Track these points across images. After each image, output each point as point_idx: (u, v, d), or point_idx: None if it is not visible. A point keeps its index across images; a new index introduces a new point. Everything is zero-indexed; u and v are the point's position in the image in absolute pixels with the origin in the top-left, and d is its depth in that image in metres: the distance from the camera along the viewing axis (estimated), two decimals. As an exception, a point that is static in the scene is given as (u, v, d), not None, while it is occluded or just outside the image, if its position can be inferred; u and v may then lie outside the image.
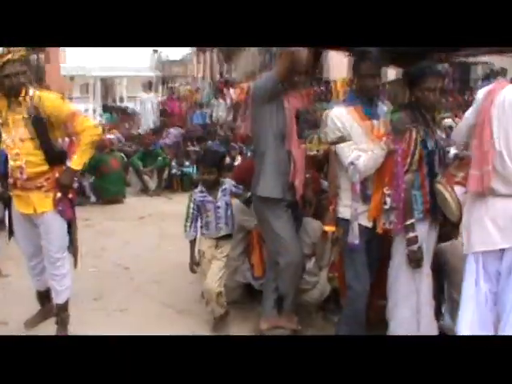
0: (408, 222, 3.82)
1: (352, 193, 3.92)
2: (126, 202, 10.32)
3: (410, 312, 3.92)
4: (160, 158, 11.27)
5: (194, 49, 24.57)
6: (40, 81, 14.55)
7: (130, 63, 41.80)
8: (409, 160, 3.81)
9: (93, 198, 10.04)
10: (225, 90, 14.76)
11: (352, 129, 3.89)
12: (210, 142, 12.06)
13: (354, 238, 3.93)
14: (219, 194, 4.82)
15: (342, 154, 3.91)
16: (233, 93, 13.64)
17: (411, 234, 3.82)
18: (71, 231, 4.54)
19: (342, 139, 3.89)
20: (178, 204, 9.07)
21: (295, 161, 4.34)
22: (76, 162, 4.36)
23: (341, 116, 3.92)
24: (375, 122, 3.96)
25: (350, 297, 4.13)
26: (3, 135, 4.31)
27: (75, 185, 9.45)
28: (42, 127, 4.26)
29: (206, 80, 24.83)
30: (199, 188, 4.93)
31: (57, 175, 4.34)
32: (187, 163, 11.46)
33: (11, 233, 4.70)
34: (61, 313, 4.60)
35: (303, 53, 4.22)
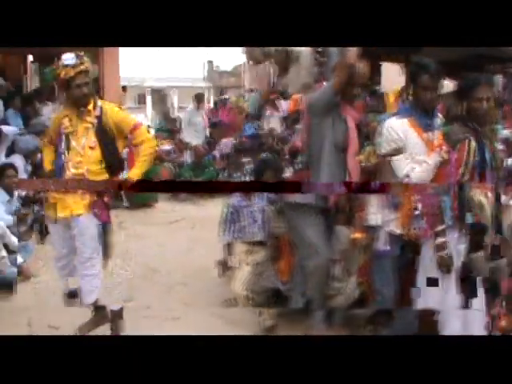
0: (438, 228, 3.78)
1: (389, 201, 3.91)
2: (157, 206, 10.37)
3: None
4: (207, 170, 11.32)
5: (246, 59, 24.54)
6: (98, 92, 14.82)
7: (183, 74, 42.26)
8: (461, 170, 3.78)
9: (125, 202, 10.12)
10: (277, 102, 14.76)
11: (409, 140, 3.89)
12: (264, 154, 12.02)
13: (384, 244, 3.93)
14: (256, 199, 4.82)
15: (397, 165, 3.91)
16: (285, 105, 13.62)
17: (441, 240, 3.78)
18: (106, 233, 4.60)
19: (397, 151, 3.87)
20: (211, 210, 9.08)
21: (351, 173, 4.31)
22: (134, 172, 4.43)
23: (398, 127, 3.93)
24: (430, 134, 3.91)
25: (378, 302, 4.12)
26: (72, 143, 4.41)
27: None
28: (108, 137, 4.41)
29: (258, 91, 24.95)
30: (238, 194, 4.93)
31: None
32: (236, 174, 11.45)
33: (44, 234, 4.75)
34: (116, 320, 4.65)
35: (361, 65, 4.21)
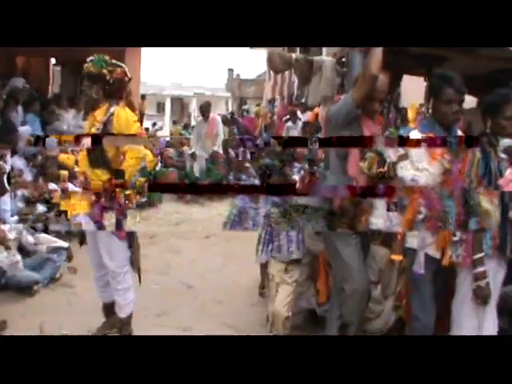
0: (476, 257, 3.66)
1: (426, 223, 3.79)
2: (192, 220, 10.29)
3: None
4: (251, 180, 11.41)
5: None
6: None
7: (203, 83, 42.51)
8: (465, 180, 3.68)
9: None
10: (298, 113, 14.76)
11: (448, 157, 3.74)
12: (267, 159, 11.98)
13: (420, 267, 3.80)
14: (294, 217, 4.78)
15: (401, 173, 3.82)
16: (302, 116, 13.64)
17: (480, 269, 3.65)
18: (133, 249, 4.59)
19: (403, 157, 3.78)
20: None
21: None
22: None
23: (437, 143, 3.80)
24: (471, 152, 3.79)
25: (415, 328, 4.00)
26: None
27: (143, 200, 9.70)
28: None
29: (276, 101, 25.00)
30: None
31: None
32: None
33: (83, 240, 4.77)
34: (124, 327, 4.64)
35: (382, 78, 4.15)
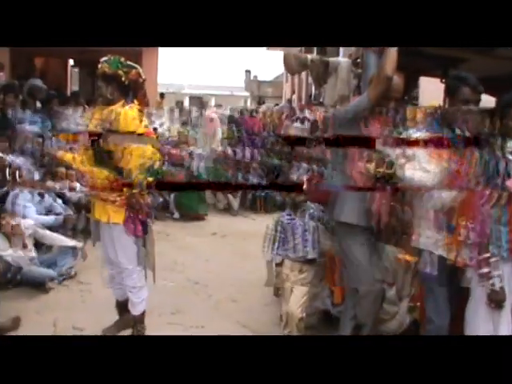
0: (481, 257, 3.61)
1: (435, 223, 3.78)
2: (208, 220, 10.35)
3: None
4: (256, 180, 11.31)
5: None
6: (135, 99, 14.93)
7: (222, 82, 42.62)
8: (498, 193, 3.60)
9: (176, 215, 10.14)
10: (306, 113, 14.75)
11: (449, 157, 3.72)
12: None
13: (432, 268, 3.78)
14: (307, 217, 4.78)
15: (407, 173, 3.80)
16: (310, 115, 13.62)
17: (484, 270, 3.60)
18: (147, 247, 4.61)
19: (436, 167, 3.74)
20: (260, 224, 9.13)
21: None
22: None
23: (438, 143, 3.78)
24: (473, 152, 3.75)
25: (429, 331, 3.98)
26: (107, 144, 4.42)
27: (159, 200, 9.77)
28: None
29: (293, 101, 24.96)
30: (287, 211, 4.91)
31: (128, 194, 4.41)
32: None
33: (96, 238, 4.79)
34: (137, 324, 4.67)
35: (397, 78, 4.14)
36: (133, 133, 4.34)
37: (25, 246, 5.94)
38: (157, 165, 4.41)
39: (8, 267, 5.13)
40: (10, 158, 7.39)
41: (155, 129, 14.87)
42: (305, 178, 5.79)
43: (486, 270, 3.60)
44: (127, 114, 4.36)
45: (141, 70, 4.52)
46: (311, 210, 4.83)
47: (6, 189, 6.77)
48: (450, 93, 3.92)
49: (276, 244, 4.87)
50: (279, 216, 4.99)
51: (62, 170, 7.11)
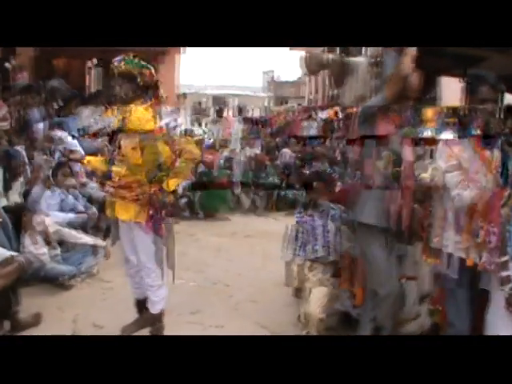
0: (501, 260, 3.58)
1: (454, 225, 3.75)
2: (232, 220, 10.36)
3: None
4: (271, 179, 11.29)
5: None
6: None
7: (243, 83, 42.66)
8: (508, 192, 3.60)
9: (201, 214, 10.17)
10: (313, 114, 14.78)
11: (467, 157, 3.71)
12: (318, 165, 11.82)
13: (454, 272, 3.75)
14: (325, 217, 4.77)
15: (450, 182, 3.75)
16: (322, 113, 13.65)
17: (504, 274, 3.57)
18: (168, 246, 4.63)
19: (454, 167, 3.72)
20: (283, 225, 9.12)
21: (401, 188, 4.20)
22: (168, 183, 4.47)
23: (456, 143, 3.76)
24: (489, 152, 3.76)
25: (450, 334, 3.96)
26: (121, 142, 4.47)
27: (184, 200, 9.82)
28: (151, 139, 4.40)
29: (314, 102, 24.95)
30: (308, 212, 4.90)
31: (152, 191, 4.44)
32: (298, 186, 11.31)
33: (116, 237, 4.83)
34: (156, 323, 4.69)
35: (414, 77, 4.13)
36: (151, 131, 4.39)
37: (48, 243, 6.00)
38: (167, 162, 4.48)
39: (30, 264, 5.18)
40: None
41: (174, 127, 14.66)
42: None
43: (505, 273, 3.57)
44: (137, 112, 4.41)
45: (153, 70, 4.54)
46: (332, 211, 4.82)
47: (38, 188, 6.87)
48: (469, 92, 3.89)
49: (294, 244, 4.87)
50: (299, 217, 4.98)
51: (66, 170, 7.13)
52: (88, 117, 10.34)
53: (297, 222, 4.83)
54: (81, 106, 11.46)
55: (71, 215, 6.95)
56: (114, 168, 4.46)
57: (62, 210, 6.93)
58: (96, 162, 4.81)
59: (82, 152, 7.25)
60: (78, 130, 9.64)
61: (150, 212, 4.44)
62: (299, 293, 4.98)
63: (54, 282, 6.05)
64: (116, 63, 4.41)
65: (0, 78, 9.45)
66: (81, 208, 7.27)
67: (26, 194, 6.94)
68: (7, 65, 12.03)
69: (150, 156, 4.39)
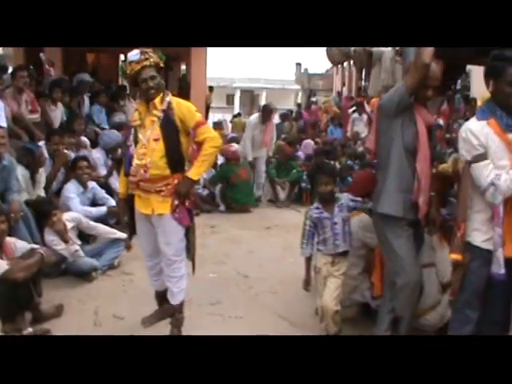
0: None
1: (494, 216, 3.61)
2: (254, 212, 10.31)
3: None
4: (294, 171, 11.21)
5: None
6: (184, 90, 15.07)
7: (272, 75, 42.58)
8: None
9: (222, 207, 10.15)
10: (365, 105, 14.58)
11: (491, 144, 3.56)
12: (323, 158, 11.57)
13: (499, 267, 3.59)
14: (336, 209, 4.72)
15: (479, 173, 3.59)
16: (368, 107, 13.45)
17: None
18: (189, 237, 4.64)
19: (481, 157, 3.58)
20: (302, 216, 9.04)
21: (420, 178, 4.14)
22: (194, 172, 4.46)
23: (480, 130, 3.60)
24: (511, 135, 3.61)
25: (456, 320, 3.93)
26: (139, 136, 4.47)
27: (205, 192, 9.81)
28: (172, 131, 4.42)
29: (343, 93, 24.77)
30: (315, 204, 4.86)
31: (176, 182, 4.45)
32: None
33: (132, 231, 4.85)
34: (176, 314, 4.70)
35: (435, 66, 4.06)
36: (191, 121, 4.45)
37: (66, 242, 6.03)
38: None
39: (50, 257, 5.23)
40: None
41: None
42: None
43: None
44: (180, 102, 4.51)
45: (148, 62, 4.46)
46: (340, 202, 4.77)
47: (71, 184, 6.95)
48: (494, 75, 3.67)
49: (306, 238, 4.83)
50: (308, 210, 4.94)
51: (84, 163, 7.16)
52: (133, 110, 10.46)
53: (314, 217, 4.77)
54: (126, 101, 11.66)
55: (92, 208, 6.98)
56: (137, 162, 4.45)
57: (82, 202, 6.97)
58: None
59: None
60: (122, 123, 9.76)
61: (175, 203, 4.46)
62: (307, 286, 4.94)
63: (76, 275, 6.12)
64: (135, 57, 4.39)
65: (33, 70, 9.48)
66: (106, 201, 7.30)
67: (55, 190, 7.06)
68: (42, 55, 12.18)
69: (173, 149, 4.41)
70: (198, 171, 4.48)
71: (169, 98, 4.49)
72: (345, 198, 4.83)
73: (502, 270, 3.56)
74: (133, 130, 4.54)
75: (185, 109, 4.48)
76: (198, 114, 4.54)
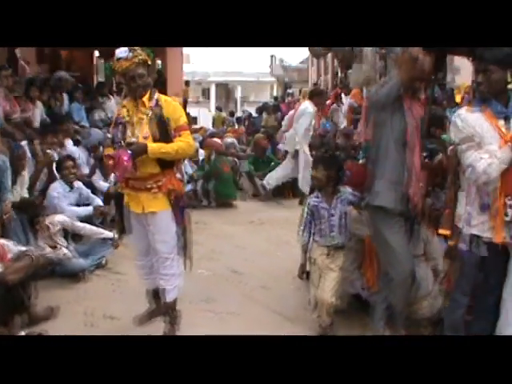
0: None
1: (467, 196, 3.72)
2: (238, 206, 10.31)
3: None
4: (273, 163, 11.22)
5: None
6: (160, 85, 15.00)
7: (247, 69, 42.43)
8: None
9: (204, 202, 10.14)
10: (342, 96, 14.59)
11: (479, 129, 3.62)
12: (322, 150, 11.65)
13: (464, 245, 3.73)
14: (335, 201, 4.74)
15: (463, 154, 3.68)
16: (346, 98, 13.46)
17: None
18: (184, 234, 4.62)
19: (467, 140, 3.65)
20: (289, 210, 9.04)
21: (411, 170, 4.18)
22: (154, 147, 4.34)
23: (469, 115, 3.67)
24: (503, 122, 3.65)
25: (449, 305, 4.04)
26: (128, 133, 4.44)
27: (188, 188, 9.80)
28: (161, 128, 4.39)
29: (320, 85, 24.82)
30: (315, 193, 4.88)
31: (166, 179, 4.44)
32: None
33: (122, 230, 4.82)
34: (169, 312, 4.68)
35: (426, 58, 4.08)
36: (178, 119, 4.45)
37: (53, 247, 5.98)
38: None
39: (38, 259, 5.19)
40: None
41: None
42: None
43: None
44: (167, 100, 4.50)
45: (137, 59, 4.43)
46: (341, 195, 4.79)
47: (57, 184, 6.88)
48: (483, 66, 3.71)
49: (303, 226, 4.85)
50: (308, 198, 4.95)
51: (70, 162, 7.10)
52: (113, 107, 10.43)
53: (312, 206, 4.79)
54: (105, 98, 11.57)
55: (80, 209, 6.92)
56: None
57: (70, 202, 6.89)
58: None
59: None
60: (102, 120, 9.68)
61: (167, 200, 4.46)
62: (302, 273, 4.95)
63: (64, 276, 6.06)
64: (123, 54, 4.35)
65: (11, 71, 9.35)
66: (94, 201, 7.24)
67: (39, 190, 6.97)
68: (17, 51, 11.98)
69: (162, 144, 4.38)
70: (157, 151, 4.35)
71: (156, 95, 4.47)
72: (346, 191, 4.84)
73: (465, 247, 3.72)
74: (120, 127, 4.51)
75: (172, 108, 4.47)
76: (183, 117, 4.53)
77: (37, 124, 8.87)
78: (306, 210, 4.84)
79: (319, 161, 4.90)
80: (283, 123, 11.25)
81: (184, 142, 4.43)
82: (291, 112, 10.52)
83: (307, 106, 9.61)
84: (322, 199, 4.78)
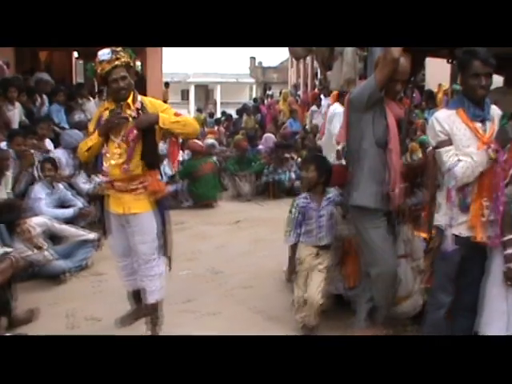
0: (506, 238, 3.62)
1: (447, 199, 3.77)
2: (219, 207, 10.33)
3: (499, 332, 3.68)
4: (254, 164, 11.26)
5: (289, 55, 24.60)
6: (140, 87, 14.95)
7: (226, 70, 42.40)
8: (511, 172, 3.62)
9: (186, 203, 10.13)
10: (321, 97, 14.69)
11: (456, 131, 3.69)
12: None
13: (448, 246, 3.77)
14: (323, 202, 4.77)
15: (441, 158, 3.74)
16: (325, 100, 13.55)
17: (509, 251, 3.62)
18: (165, 234, 4.62)
19: (444, 143, 3.71)
20: (270, 210, 9.06)
21: (391, 170, 4.23)
22: (165, 118, 4.36)
23: (445, 118, 3.73)
24: (481, 125, 3.74)
25: (430, 304, 4.06)
26: (111, 136, 4.41)
27: (170, 188, 9.78)
28: (150, 129, 4.38)
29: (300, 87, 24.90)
30: (304, 194, 4.90)
31: (151, 180, 4.44)
32: (280, 170, 11.27)
33: (106, 231, 4.81)
34: (153, 313, 4.67)
35: (404, 60, 4.14)
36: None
37: (38, 248, 5.96)
38: None
39: (18, 262, 5.16)
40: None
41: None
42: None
43: (510, 251, 3.62)
44: (151, 100, 4.50)
45: (119, 61, 4.40)
46: (329, 196, 4.82)
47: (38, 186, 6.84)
48: (460, 68, 3.83)
49: (291, 227, 4.87)
50: (296, 199, 4.97)
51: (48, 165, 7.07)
52: (93, 108, 10.38)
53: (301, 207, 4.81)
54: (84, 99, 11.52)
55: (61, 210, 6.89)
56: (112, 162, 4.41)
57: (50, 204, 6.87)
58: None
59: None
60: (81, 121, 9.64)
61: (151, 201, 4.46)
62: (291, 276, 4.97)
63: (46, 277, 6.03)
64: (106, 56, 4.34)
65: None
66: (74, 202, 7.21)
67: (20, 192, 6.93)
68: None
69: (149, 147, 4.38)
70: (167, 121, 4.36)
71: (140, 97, 4.46)
72: (333, 192, 4.87)
73: (450, 248, 3.76)
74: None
75: (158, 106, 4.47)
76: (170, 108, 4.52)
77: (15, 125, 8.80)
78: (293, 210, 4.85)
79: (310, 161, 4.93)
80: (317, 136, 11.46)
81: (188, 118, 4.44)
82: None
83: (336, 107, 9.71)
84: (310, 200, 4.81)
